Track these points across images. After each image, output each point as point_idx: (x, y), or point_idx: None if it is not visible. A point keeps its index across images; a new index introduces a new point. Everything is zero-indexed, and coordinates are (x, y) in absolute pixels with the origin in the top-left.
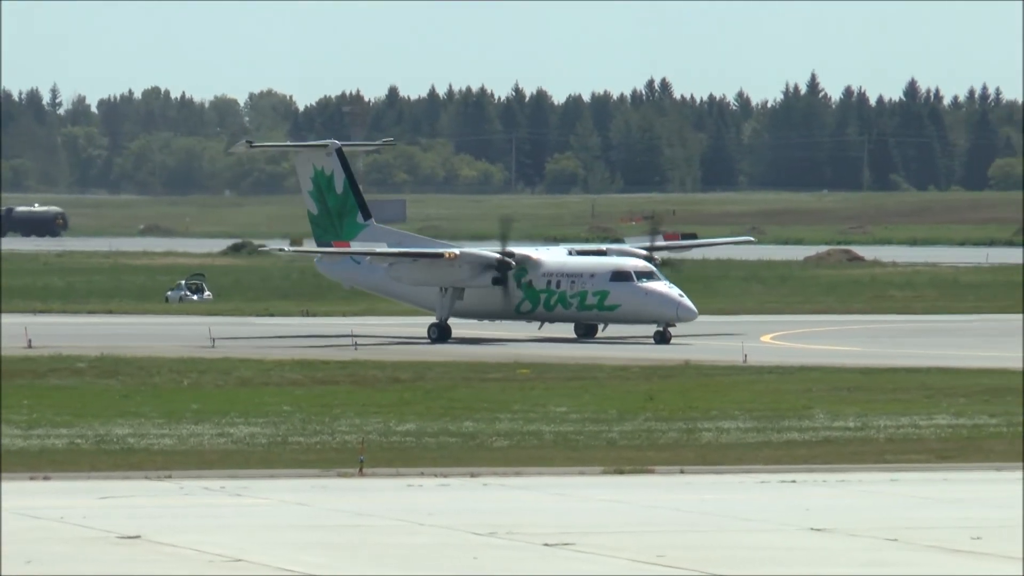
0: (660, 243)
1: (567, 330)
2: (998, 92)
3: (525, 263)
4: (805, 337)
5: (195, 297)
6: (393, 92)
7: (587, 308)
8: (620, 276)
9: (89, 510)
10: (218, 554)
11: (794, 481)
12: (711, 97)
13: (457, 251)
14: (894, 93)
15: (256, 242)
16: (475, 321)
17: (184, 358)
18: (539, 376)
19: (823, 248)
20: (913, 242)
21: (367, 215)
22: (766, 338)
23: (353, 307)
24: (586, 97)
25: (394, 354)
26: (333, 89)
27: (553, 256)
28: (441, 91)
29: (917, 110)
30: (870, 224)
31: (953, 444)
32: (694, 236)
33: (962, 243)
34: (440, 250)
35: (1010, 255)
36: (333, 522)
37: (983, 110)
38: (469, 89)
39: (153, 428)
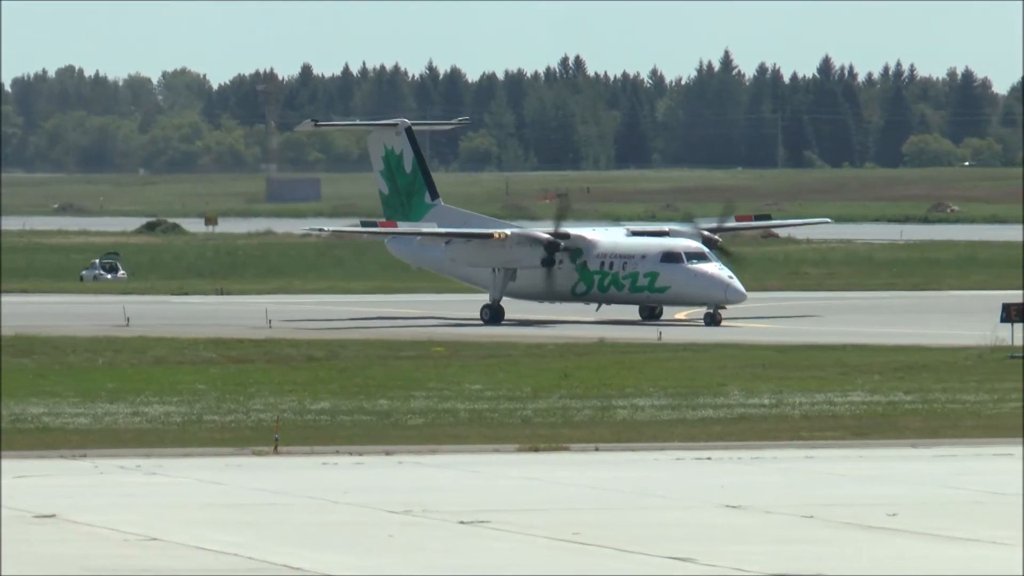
0: (729, 224)
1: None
2: (912, 69)
3: (580, 244)
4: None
5: (109, 276)
6: (307, 70)
7: (639, 290)
8: (670, 257)
9: (5, 489)
10: (134, 533)
11: (709, 458)
12: (625, 74)
13: (508, 231)
14: (808, 70)
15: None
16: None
17: (99, 337)
18: (454, 354)
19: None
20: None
21: (435, 195)
22: (680, 315)
23: (266, 285)
24: (500, 75)
25: (308, 332)
26: (247, 67)
27: (609, 237)
28: (355, 69)
29: (831, 87)
30: (785, 201)
31: (868, 421)
32: (768, 217)
33: (876, 220)
34: (490, 230)
35: (924, 232)
36: (248, 500)
37: (897, 87)
38: (383, 67)
39: (68, 407)
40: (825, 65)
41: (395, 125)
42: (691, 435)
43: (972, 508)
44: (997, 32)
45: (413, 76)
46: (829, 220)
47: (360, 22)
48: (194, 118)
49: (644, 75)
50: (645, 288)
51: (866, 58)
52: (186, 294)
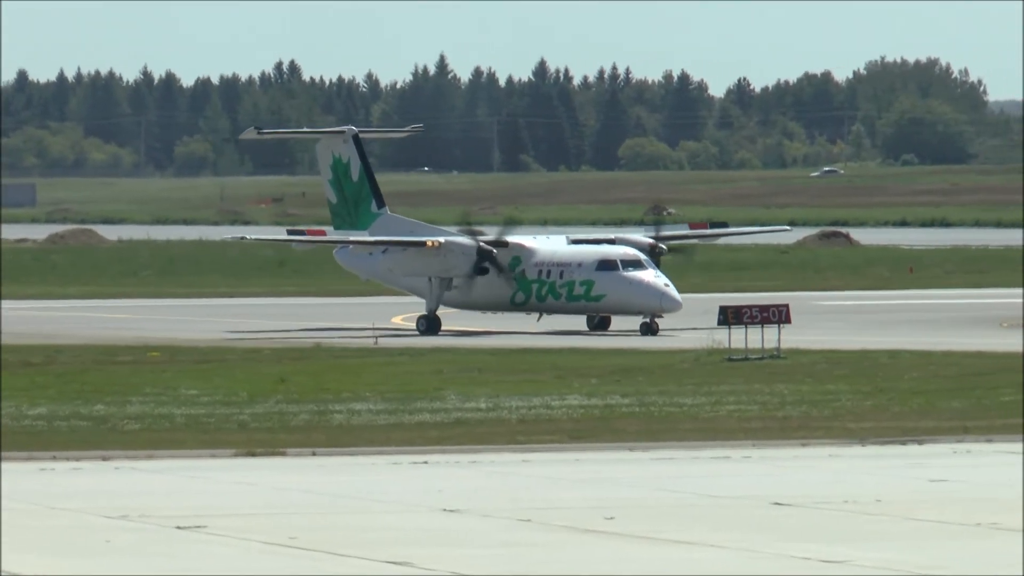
0: (679, 231)
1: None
2: (628, 72)
3: (519, 252)
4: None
5: None
6: (22, 76)
7: (575, 299)
8: (606, 265)
9: None
10: None
11: (426, 462)
12: (340, 79)
13: (441, 239)
14: (523, 73)
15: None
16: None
17: None
18: (170, 359)
19: (454, 229)
20: (544, 223)
21: (381, 203)
22: (397, 319)
23: None
24: (215, 80)
25: (26, 338)
26: None
27: (548, 245)
28: (70, 75)
29: (547, 90)
30: (500, 205)
31: (585, 424)
32: (724, 225)
33: (593, 223)
34: (422, 238)
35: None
36: None
37: (613, 90)
38: (98, 72)
39: None
40: (540, 68)
41: (343, 132)
42: (408, 439)
43: (690, 511)
44: (711, 34)
45: (128, 81)
46: (789, 228)
47: (75, 27)
48: None
49: (360, 79)
50: (581, 297)
51: (582, 61)
52: None
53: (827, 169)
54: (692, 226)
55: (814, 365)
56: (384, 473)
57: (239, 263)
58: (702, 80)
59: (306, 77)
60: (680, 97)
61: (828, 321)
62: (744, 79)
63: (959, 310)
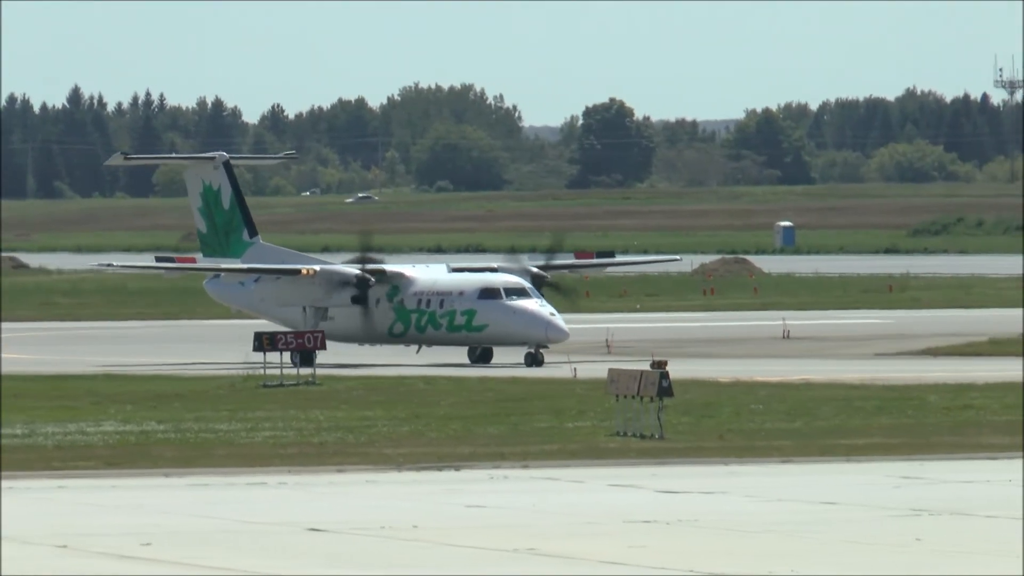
0: (563, 261)
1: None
2: (162, 98)
3: (397, 281)
4: None
5: None
6: None
7: (456, 329)
8: (488, 294)
9: None
10: None
11: None
12: None
13: (317, 267)
14: (58, 100)
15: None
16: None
17: None
18: None
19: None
20: (79, 249)
21: (253, 232)
22: None
23: None
24: None
25: None
26: None
27: (428, 273)
28: None
29: (81, 117)
30: (36, 232)
31: (121, 450)
32: (611, 255)
33: (127, 249)
34: (297, 266)
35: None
36: None
37: (147, 116)
38: None
39: None
40: (75, 95)
41: (212, 159)
42: None
43: (226, 537)
44: (245, 61)
45: None
46: (679, 257)
47: None
48: None
49: None
50: (463, 327)
51: (116, 87)
52: None
53: (362, 195)
54: (578, 255)
55: (350, 391)
56: None
57: None
58: (236, 106)
59: None
60: (214, 123)
61: (361, 348)
62: (278, 105)
63: None
